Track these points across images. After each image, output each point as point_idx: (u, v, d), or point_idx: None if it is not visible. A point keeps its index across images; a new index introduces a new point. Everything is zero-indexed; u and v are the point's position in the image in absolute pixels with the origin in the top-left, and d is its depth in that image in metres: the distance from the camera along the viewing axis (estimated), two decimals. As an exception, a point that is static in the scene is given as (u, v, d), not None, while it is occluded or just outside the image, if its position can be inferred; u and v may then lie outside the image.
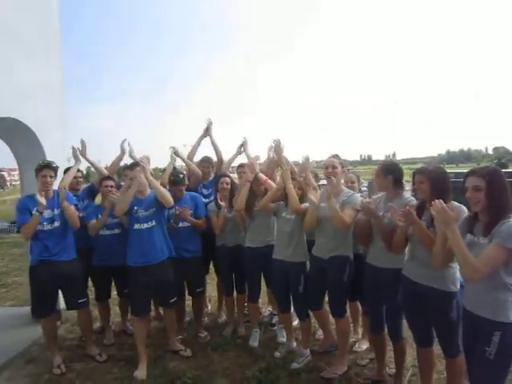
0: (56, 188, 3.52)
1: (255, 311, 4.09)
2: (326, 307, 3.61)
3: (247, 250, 3.77)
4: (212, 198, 4.16)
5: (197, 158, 4.63)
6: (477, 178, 2.05)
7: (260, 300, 4.30)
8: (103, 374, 3.35)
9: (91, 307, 4.13)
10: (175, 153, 4.49)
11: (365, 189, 8.82)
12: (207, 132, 4.56)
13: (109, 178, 3.91)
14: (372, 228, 2.91)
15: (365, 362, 3.39)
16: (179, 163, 4.70)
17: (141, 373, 3.29)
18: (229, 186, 3.93)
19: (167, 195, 3.42)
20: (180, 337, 3.95)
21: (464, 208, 2.35)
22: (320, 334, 3.81)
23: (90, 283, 4.04)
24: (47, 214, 3.32)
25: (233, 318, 4.20)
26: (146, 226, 3.38)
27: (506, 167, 35.57)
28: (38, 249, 3.31)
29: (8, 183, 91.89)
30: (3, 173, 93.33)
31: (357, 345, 3.66)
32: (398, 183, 2.87)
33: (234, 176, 4.32)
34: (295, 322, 3.85)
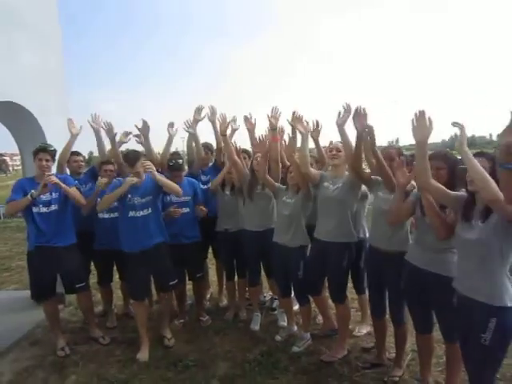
0: (54, 171, 3.51)
1: (256, 295, 4.13)
2: (326, 292, 3.64)
3: (247, 233, 3.78)
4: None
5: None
6: (483, 159, 2.07)
7: (261, 285, 4.35)
8: (106, 356, 3.40)
9: (93, 291, 4.19)
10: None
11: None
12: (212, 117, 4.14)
13: (108, 162, 3.88)
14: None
15: (370, 345, 3.41)
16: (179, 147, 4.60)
17: (143, 355, 3.36)
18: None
19: (176, 187, 3.41)
20: (182, 321, 4.00)
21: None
22: (320, 318, 3.85)
23: (92, 267, 4.08)
24: (45, 196, 3.31)
25: (234, 302, 4.24)
26: (141, 213, 3.33)
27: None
28: (34, 234, 3.31)
29: (10, 168, 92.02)
30: (5, 158, 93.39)
31: (357, 329, 3.70)
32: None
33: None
34: (296, 307, 3.89)
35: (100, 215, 3.78)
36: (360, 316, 3.86)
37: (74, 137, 3.93)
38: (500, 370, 2.39)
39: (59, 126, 4.16)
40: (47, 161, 3.32)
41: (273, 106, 3.58)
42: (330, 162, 3.28)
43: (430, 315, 2.64)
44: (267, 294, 4.59)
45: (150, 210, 3.37)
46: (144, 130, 3.97)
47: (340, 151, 3.17)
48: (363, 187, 3.26)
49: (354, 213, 3.24)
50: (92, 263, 4.07)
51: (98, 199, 3.60)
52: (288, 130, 3.75)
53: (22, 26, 4.12)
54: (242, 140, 4.04)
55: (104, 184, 3.47)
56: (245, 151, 4.09)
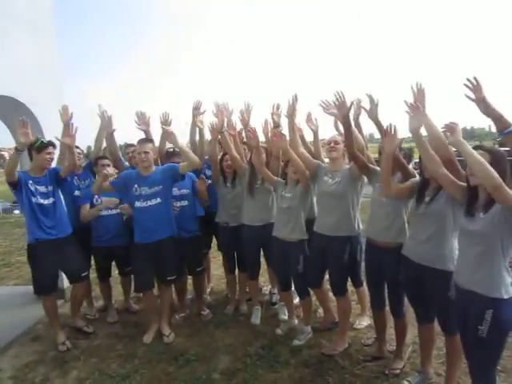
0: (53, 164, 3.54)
1: (255, 288, 4.13)
2: (326, 285, 3.64)
3: (246, 228, 3.78)
4: None
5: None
6: (483, 151, 2.04)
7: (262, 278, 4.35)
8: (107, 351, 3.41)
9: (93, 286, 4.21)
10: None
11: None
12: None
13: (104, 157, 3.86)
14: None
15: (370, 341, 3.40)
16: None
17: (147, 337, 3.52)
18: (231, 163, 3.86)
19: (195, 157, 3.38)
20: (182, 314, 4.00)
21: None
22: (321, 311, 3.85)
23: (92, 261, 4.07)
24: (42, 189, 3.34)
25: (234, 295, 4.24)
26: (149, 203, 3.37)
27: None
28: (34, 227, 3.31)
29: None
30: (3, 153, 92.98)
31: (357, 322, 3.70)
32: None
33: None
34: (296, 300, 3.89)
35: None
36: (360, 309, 3.86)
37: (105, 128, 3.81)
38: (500, 362, 2.40)
39: (55, 119, 4.13)
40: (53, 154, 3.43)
41: (274, 103, 3.58)
42: (328, 155, 3.26)
43: (430, 305, 2.64)
44: (267, 287, 4.60)
45: (158, 200, 3.40)
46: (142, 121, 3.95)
47: (338, 144, 3.14)
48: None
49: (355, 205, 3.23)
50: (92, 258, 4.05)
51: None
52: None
53: (16, 19, 4.06)
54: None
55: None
56: (245, 143, 4.06)
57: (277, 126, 3.59)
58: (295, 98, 3.29)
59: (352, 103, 2.90)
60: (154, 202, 3.38)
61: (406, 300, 2.89)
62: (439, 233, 2.45)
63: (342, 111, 2.85)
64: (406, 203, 2.83)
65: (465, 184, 2.20)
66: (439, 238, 2.45)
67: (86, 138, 4.18)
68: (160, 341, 3.52)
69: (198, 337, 3.61)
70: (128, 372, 3.07)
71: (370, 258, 3.05)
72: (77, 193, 3.82)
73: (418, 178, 2.71)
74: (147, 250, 3.40)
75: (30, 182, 3.29)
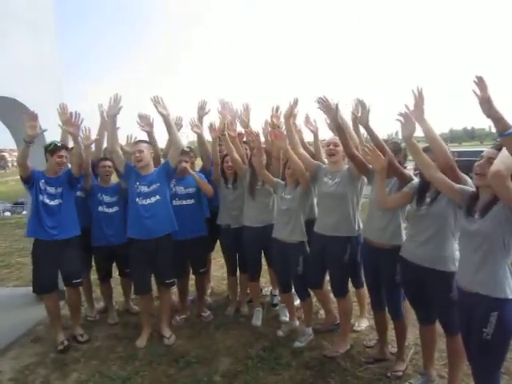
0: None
1: (256, 289, 4.11)
2: (327, 286, 3.62)
3: (247, 229, 3.76)
4: None
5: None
6: (495, 150, 2.01)
7: (263, 279, 4.32)
8: (108, 353, 3.39)
9: (94, 287, 4.19)
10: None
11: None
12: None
13: (106, 158, 3.85)
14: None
15: (372, 343, 3.38)
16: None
17: (140, 342, 3.47)
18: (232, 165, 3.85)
19: (208, 186, 3.70)
20: (183, 316, 3.98)
21: (470, 181, 2.27)
22: (322, 313, 3.83)
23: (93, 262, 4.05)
24: (51, 190, 3.37)
25: (235, 297, 4.22)
26: (148, 201, 3.37)
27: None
28: (34, 224, 3.33)
29: (9, 164, 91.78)
30: (4, 154, 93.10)
31: (356, 324, 3.67)
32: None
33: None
34: (297, 302, 3.87)
35: (100, 208, 3.77)
36: (359, 310, 3.84)
37: (105, 128, 3.72)
38: (504, 364, 2.38)
39: (55, 119, 4.11)
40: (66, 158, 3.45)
41: (273, 105, 3.58)
42: (328, 159, 3.24)
43: (431, 306, 2.62)
44: (268, 289, 4.58)
45: (157, 197, 3.40)
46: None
47: (337, 145, 3.11)
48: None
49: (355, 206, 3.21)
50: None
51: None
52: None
53: (16, 19, 4.05)
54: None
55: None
56: (246, 142, 4.05)
57: (276, 127, 3.60)
58: (295, 102, 3.33)
59: (337, 105, 2.90)
60: (153, 199, 3.38)
61: (404, 301, 2.87)
62: (440, 234, 2.44)
63: (329, 115, 2.89)
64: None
65: (462, 186, 2.22)
66: (440, 239, 2.44)
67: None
68: (160, 343, 3.50)
69: (199, 338, 3.59)
70: (129, 374, 3.05)
71: (367, 258, 3.04)
72: (79, 193, 3.81)
73: (416, 180, 2.68)
74: (145, 251, 3.37)
75: (43, 180, 3.36)
